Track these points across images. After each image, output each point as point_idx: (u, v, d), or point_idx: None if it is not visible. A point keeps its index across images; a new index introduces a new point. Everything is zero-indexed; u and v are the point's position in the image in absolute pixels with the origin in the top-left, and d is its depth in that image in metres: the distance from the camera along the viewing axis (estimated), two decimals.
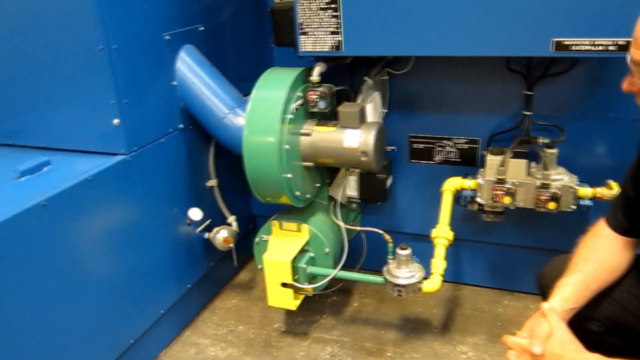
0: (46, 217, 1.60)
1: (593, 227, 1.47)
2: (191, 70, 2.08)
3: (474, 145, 2.20)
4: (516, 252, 2.35)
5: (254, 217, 2.76)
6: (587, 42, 1.61)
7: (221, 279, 2.62)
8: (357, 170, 2.16)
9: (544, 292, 1.51)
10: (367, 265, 2.35)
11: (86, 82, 1.83)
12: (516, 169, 1.97)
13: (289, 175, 1.91)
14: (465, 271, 2.47)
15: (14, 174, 1.76)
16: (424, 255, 2.02)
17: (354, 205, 2.37)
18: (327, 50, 1.87)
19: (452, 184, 2.11)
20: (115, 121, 1.84)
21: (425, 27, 1.73)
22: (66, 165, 1.84)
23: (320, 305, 2.43)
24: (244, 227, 2.51)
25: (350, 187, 2.22)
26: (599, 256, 1.40)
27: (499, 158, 1.98)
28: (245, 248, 2.71)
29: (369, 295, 2.49)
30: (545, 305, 1.33)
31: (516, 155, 1.97)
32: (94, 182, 1.75)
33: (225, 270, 2.63)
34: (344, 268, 2.10)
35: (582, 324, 1.38)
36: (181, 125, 2.14)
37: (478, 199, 2.07)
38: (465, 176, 2.14)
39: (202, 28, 2.18)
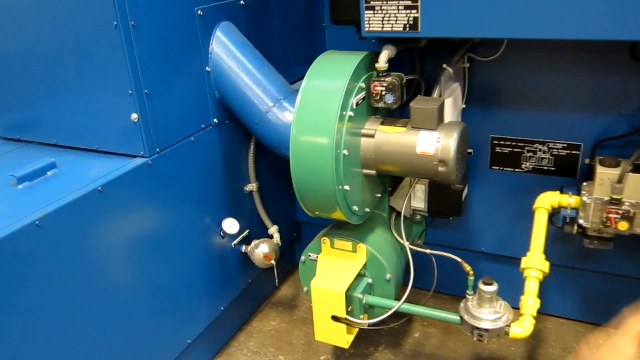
0: (41, 239, 1.28)
1: None
2: (229, 53, 1.73)
3: (574, 152, 1.78)
4: (617, 281, 1.93)
5: (298, 224, 2.40)
6: None
7: (260, 296, 2.28)
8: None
9: None
10: (427, 285, 1.95)
11: (98, 67, 1.50)
12: (637, 186, 1.54)
13: (347, 188, 1.53)
14: (551, 300, 2.05)
15: (10, 179, 1.44)
16: (501, 280, 1.60)
17: (419, 217, 1.98)
18: (399, 30, 1.47)
19: (548, 201, 1.70)
20: (134, 116, 1.50)
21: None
22: (74, 169, 1.52)
23: (374, 334, 2.07)
24: (287, 236, 2.16)
25: (416, 198, 1.84)
26: None
27: (614, 171, 1.55)
28: (288, 258, 2.36)
29: (432, 324, 2.10)
30: None
31: (637, 169, 1.54)
32: (104, 194, 1.41)
33: (265, 286, 2.28)
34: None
35: None
36: (215, 120, 1.79)
37: (581, 221, 1.65)
38: (562, 190, 1.72)
39: (242, 1, 1.81)
